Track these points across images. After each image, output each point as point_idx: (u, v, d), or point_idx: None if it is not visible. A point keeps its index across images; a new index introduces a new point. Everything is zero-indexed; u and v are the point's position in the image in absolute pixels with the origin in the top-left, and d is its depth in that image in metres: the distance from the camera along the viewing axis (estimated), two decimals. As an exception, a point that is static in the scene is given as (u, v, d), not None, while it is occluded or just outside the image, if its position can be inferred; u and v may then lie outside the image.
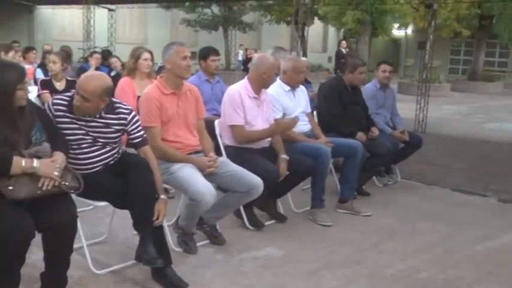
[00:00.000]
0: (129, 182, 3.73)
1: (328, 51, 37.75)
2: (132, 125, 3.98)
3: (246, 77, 5.13)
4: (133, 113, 4.02)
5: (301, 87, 5.91)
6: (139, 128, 4.03)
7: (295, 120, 5.21)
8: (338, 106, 6.15)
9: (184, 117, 4.51)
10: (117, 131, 3.94)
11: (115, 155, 4.00)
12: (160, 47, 4.57)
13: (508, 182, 7.51)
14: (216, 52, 6.48)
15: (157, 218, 3.81)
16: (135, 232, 3.89)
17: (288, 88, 5.66)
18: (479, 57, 26.62)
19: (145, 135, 4.06)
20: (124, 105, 4.02)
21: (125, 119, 3.95)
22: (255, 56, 5.33)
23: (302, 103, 5.81)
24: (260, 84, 5.05)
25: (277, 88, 5.62)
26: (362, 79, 6.33)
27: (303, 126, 5.74)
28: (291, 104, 5.65)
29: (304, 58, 7.10)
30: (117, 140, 3.99)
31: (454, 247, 4.97)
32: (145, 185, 3.74)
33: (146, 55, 6.07)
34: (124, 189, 3.74)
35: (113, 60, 10.44)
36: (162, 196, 3.89)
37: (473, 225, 5.61)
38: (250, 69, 5.11)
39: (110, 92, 3.86)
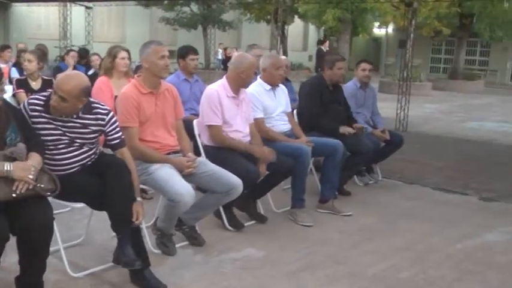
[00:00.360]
0: (106, 183, 3.71)
1: (309, 50, 37.87)
2: (110, 126, 3.96)
3: (224, 77, 5.13)
4: (111, 113, 4.00)
5: (282, 86, 5.92)
6: (117, 129, 4.01)
7: (271, 154, 5.06)
8: (319, 105, 6.17)
9: (162, 117, 4.50)
10: (95, 131, 3.92)
11: (92, 156, 3.98)
12: (139, 45, 4.54)
13: (488, 181, 7.60)
14: (194, 51, 6.46)
15: (137, 219, 3.80)
16: (113, 234, 3.87)
17: (268, 87, 5.67)
18: (460, 55, 26.87)
19: (123, 137, 4.05)
20: (102, 105, 4.00)
21: (103, 119, 3.93)
22: (234, 55, 5.34)
23: (282, 103, 5.83)
24: (239, 83, 5.05)
25: (257, 87, 5.63)
26: (341, 74, 6.33)
27: (283, 125, 5.75)
28: (271, 104, 5.66)
29: (283, 56, 7.11)
30: (94, 140, 3.97)
31: (435, 246, 5.02)
32: (123, 185, 3.73)
33: (123, 54, 6.04)
34: (101, 190, 3.72)
35: (94, 58, 10.35)
36: (138, 198, 3.88)
37: (454, 224, 5.66)
38: (229, 69, 5.11)
39: (88, 92, 3.84)
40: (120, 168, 3.80)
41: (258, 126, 5.39)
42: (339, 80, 6.35)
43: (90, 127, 3.89)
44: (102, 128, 3.94)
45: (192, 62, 6.39)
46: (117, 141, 4.00)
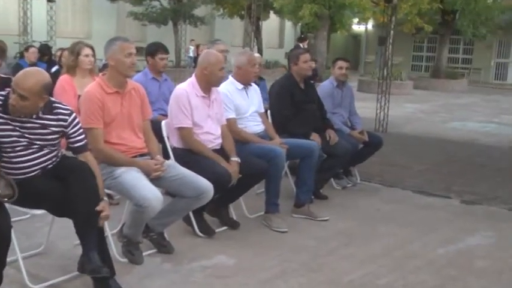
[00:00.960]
0: (69, 187, 3.69)
1: (285, 47, 37.92)
2: (73, 128, 3.93)
3: (193, 75, 5.13)
4: (74, 114, 3.96)
5: (254, 86, 5.94)
6: (80, 131, 3.98)
7: (236, 173, 5.04)
8: (289, 106, 6.17)
9: (129, 118, 4.48)
10: (56, 132, 3.89)
11: (53, 159, 3.95)
12: (106, 41, 4.52)
13: (471, 183, 7.70)
14: (165, 49, 6.46)
15: (102, 218, 3.79)
16: (77, 242, 3.86)
17: (241, 86, 5.68)
18: (443, 53, 27.18)
19: (86, 140, 4.02)
20: (64, 105, 3.96)
21: (65, 120, 3.89)
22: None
23: (255, 102, 5.84)
24: (205, 81, 5.06)
25: (229, 86, 5.64)
26: (308, 67, 6.29)
27: (256, 126, 5.77)
28: (243, 103, 5.67)
29: (257, 54, 7.14)
30: (55, 142, 3.94)
31: (415, 251, 5.07)
32: (87, 189, 3.71)
33: (87, 51, 5.99)
34: (64, 195, 3.70)
35: (65, 53, 10.18)
36: (104, 198, 3.88)
37: (435, 228, 5.72)
38: (196, 67, 5.13)
39: (49, 89, 3.82)
40: (84, 171, 3.78)
41: (230, 127, 5.40)
42: (306, 74, 6.33)
43: (50, 128, 3.85)
44: (63, 130, 3.91)
45: (161, 62, 6.38)
46: (80, 144, 3.97)
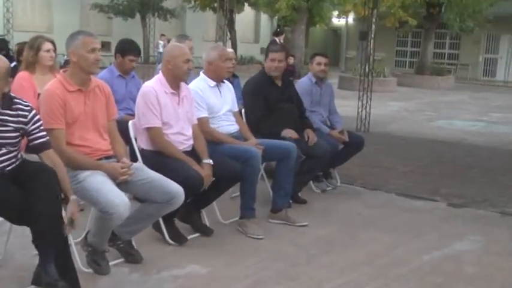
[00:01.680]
0: (32, 193, 3.67)
1: (261, 42, 38.04)
2: (33, 125, 3.94)
3: (160, 71, 5.13)
4: (34, 111, 3.99)
5: (227, 83, 5.95)
6: (41, 128, 4.00)
7: (209, 177, 5.06)
8: (262, 107, 6.19)
9: (93, 118, 4.47)
10: (16, 130, 3.88)
11: (13, 160, 3.93)
12: (68, 35, 4.49)
13: (458, 185, 7.77)
14: (137, 52, 6.51)
15: (71, 222, 3.79)
16: (35, 253, 3.82)
17: (213, 83, 5.69)
18: (428, 48, 27.39)
19: (48, 138, 4.03)
20: (24, 101, 3.98)
21: (25, 116, 3.91)
22: None
23: (228, 101, 5.85)
24: (171, 76, 5.06)
25: (200, 83, 5.64)
26: (272, 67, 6.27)
27: (230, 126, 5.77)
28: (216, 102, 5.68)
29: (230, 49, 7.16)
30: (15, 141, 3.91)
31: (399, 258, 5.10)
32: (51, 195, 3.70)
33: (48, 45, 5.96)
34: (24, 201, 3.67)
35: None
36: (73, 197, 3.88)
37: (421, 234, 5.76)
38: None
39: (10, 74, 3.85)
40: (49, 176, 3.77)
41: (202, 127, 5.40)
42: (270, 72, 6.30)
43: (10, 124, 3.85)
44: (23, 127, 3.91)
45: (130, 64, 6.43)
46: (42, 140, 3.98)
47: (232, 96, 5.92)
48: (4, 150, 3.87)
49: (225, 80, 5.89)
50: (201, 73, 5.73)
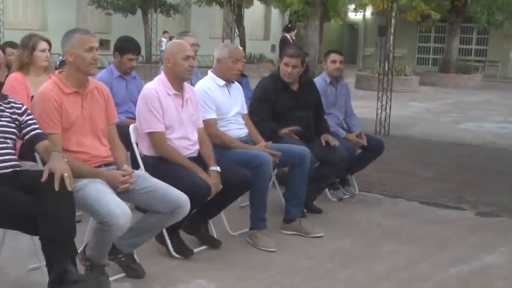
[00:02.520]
0: (44, 201, 3.72)
1: (272, 39, 38.07)
2: (27, 116, 4.18)
3: (161, 71, 5.15)
4: (25, 106, 4.20)
5: (237, 84, 5.96)
6: (35, 120, 4.17)
7: (217, 184, 5.05)
8: (267, 113, 6.18)
9: (91, 122, 4.49)
10: (13, 121, 4.08)
11: (13, 156, 4.06)
12: (63, 34, 4.52)
13: (487, 192, 7.73)
14: (136, 50, 6.49)
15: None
16: (32, 266, 3.85)
17: (222, 82, 5.70)
18: (453, 44, 27.28)
19: (41, 130, 4.17)
20: (15, 99, 4.24)
21: (19, 108, 4.16)
22: None
23: (238, 102, 5.85)
24: (173, 75, 5.07)
25: (209, 82, 5.66)
26: (285, 73, 6.24)
27: (239, 130, 5.78)
28: (226, 102, 5.68)
29: (239, 46, 7.16)
30: (14, 136, 4.09)
31: (423, 273, 5.09)
32: (65, 204, 3.76)
33: (43, 45, 5.99)
34: (31, 210, 3.73)
35: (9, 50, 10.09)
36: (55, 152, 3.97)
37: (446, 246, 5.75)
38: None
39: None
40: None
41: (209, 129, 5.42)
42: (284, 78, 6.27)
43: (7, 114, 4.08)
44: (18, 118, 4.12)
45: (129, 62, 6.41)
46: (38, 131, 4.15)
47: (242, 97, 5.93)
48: (5, 145, 4.01)
49: (233, 81, 5.89)
50: (209, 72, 5.74)
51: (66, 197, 3.76)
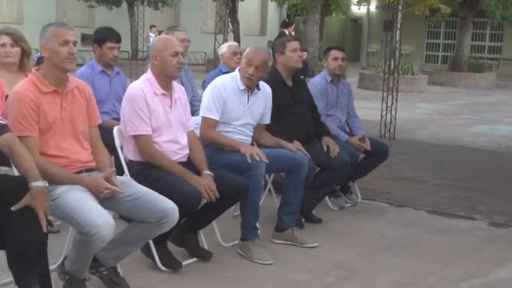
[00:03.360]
0: (15, 216, 3.70)
1: (268, 34, 38.07)
2: None
3: (148, 69, 5.15)
4: None
5: (265, 92, 5.89)
6: None
7: (211, 193, 5.00)
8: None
9: (71, 124, 4.46)
10: None
11: None
12: (41, 28, 4.51)
13: (502, 201, 7.72)
14: (115, 37, 6.47)
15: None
16: (4, 281, 3.84)
17: (244, 87, 5.66)
18: (464, 41, 27.32)
19: (4, 122, 4.08)
20: None
21: None
22: None
23: (255, 113, 5.82)
24: (160, 73, 5.06)
25: (228, 81, 5.67)
26: (298, 58, 6.26)
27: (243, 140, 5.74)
28: (237, 109, 5.66)
29: (234, 43, 7.18)
30: None
31: (432, 287, 5.09)
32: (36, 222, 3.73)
33: (3, 39, 5.88)
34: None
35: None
36: (36, 183, 3.85)
37: (457, 258, 5.75)
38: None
39: None
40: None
41: (205, 129, 5.43)
42: (296, 66, 6.29)
43: None
44: None
45: (111, 52, 6.39)
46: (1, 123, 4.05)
47: (262, 108, 5.89)
48: None
49: (261, 87, 5.84)
50: (237, 70, 5.76)
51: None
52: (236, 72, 5.75)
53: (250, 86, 5.69)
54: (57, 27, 4.39)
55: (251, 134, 5.88)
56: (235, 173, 5.27)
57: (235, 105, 5.66)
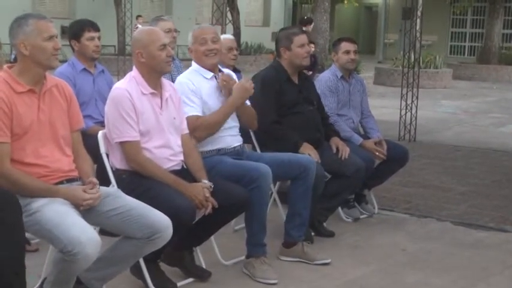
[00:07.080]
0: None
1: (272, 25, 38.05)
2: None
3: (134, 67, 5.13)
4: None
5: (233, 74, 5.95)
6: None
7: (207, 202, 5.00)
8: (274, 110, 6.20)
9: (51, 127, 4.46)
10: None
11: None
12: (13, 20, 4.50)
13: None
14: (92, 25, 6.45)
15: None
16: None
17: (209, 74, 5.68)
18: (494, 29, 27.30)
19: None
20: None
21: None
22: None
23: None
24: (147, 70, 5.06)
25: (192, 74, 5.66)
26: (305, 54, 6.31)
27: (232, 138, 5.76)
28: (214, 99, 5.67)
29: (228, 36, 7.17)
30: None
31: (458, 308, 5.11)
32: (14, 237, 3.77)
33: None
34: None
35: None
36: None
37: (486, 275, 5.75)
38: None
39: None
40: (14, 213, 3.86)
41: (191, 130, 5.41)
42: (302, 63, 6.35)
43: None
44: None
45: (91, 43, 6.39)
46: None
47: None
48: None
49: (229, 70, 5.87)
50: (193, 62, 5.75)
51: (12, 224, 3.76)
52: (194, 66, 5.74)
53: (213, 63, 5.70)
54: (39, 21, 4.37)
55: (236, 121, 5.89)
56: (235, 182, 5.26)
57: (209, 97, 5.65)
